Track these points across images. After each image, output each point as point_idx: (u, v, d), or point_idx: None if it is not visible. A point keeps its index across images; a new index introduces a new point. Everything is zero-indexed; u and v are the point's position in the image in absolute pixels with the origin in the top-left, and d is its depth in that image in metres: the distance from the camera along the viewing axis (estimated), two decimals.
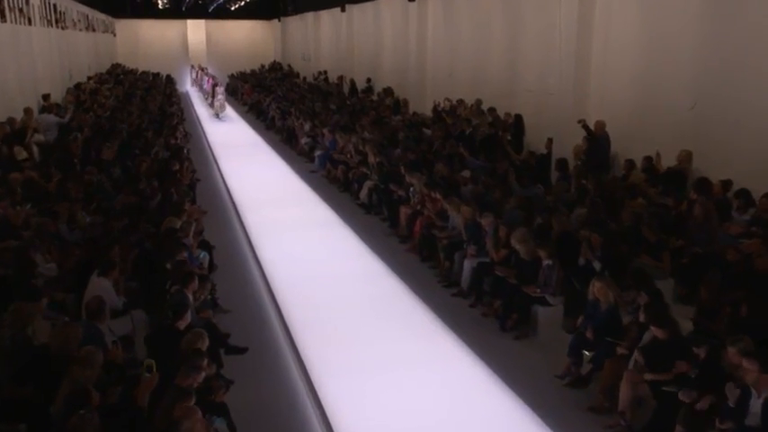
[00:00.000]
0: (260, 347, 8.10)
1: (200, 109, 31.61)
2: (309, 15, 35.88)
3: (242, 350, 7.73)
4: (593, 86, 12.88)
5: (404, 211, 12.66)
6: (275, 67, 41.63)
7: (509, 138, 14.61)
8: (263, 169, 18.91)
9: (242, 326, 8.59)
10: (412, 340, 8.34)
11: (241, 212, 14.00)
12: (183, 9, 42.69)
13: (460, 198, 11.24)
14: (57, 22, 21.98)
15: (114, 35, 41.73)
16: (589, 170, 11.20)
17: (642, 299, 7.11)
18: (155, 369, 5.07)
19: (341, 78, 28.81)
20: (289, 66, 39.75)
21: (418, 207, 12.22)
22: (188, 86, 42.43)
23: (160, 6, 41.45)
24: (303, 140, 20.86)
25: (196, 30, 44.79)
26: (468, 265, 9.89)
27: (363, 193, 14.79)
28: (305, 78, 33.73)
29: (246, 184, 16.62)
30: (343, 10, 29.20)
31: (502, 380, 7.35)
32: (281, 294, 9.61)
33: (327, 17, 33.13)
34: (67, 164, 11.17)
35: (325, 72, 31.41)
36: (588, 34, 12.66)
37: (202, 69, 37.03)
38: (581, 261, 8.63)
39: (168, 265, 7.90)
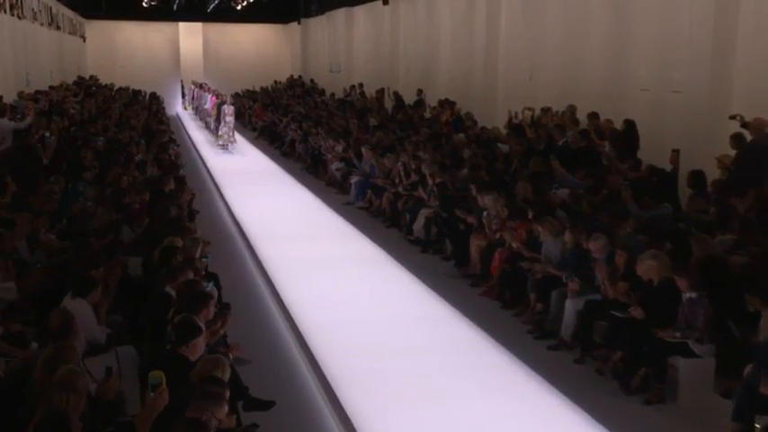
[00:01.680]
0: (290, 403, 7.85)
1: (197, 134, 31.95)
2: (340, 14, 36.39)
3: (267, 405, 7.42)
4: (737, 74, 12.59)
5: (476, 244, 12.47)
6: (294, 83, 42.10)
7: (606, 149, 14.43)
8: (281, 200, 19.06)
9: (263, 377, 8.32)
10: (498, 399, 8.05)
11: (255, 247, 13.99)
12: (175, 8, 43.53)
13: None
14: (12, 7, 22.42)
15: (84, 39, 42.54)
16: (739, 184, 10.84)
17: None
18: (164, 383, 4.79)
19: (382, 92, 28.92)
20: (311, 81, 40.16)
21: (497, 236, 11.99)
22: (178, 108, 43.06)
23: (144, 4, 42.24)
24: (334, 166, 20.86)
25: (190, 35, 45.71)
26: (570, 306, 9.60)
27: (418, 226, 14.71)
28: (333, 95, 33.98)
29: (260, 216, 16.70)
30: (385, 2, 29.52)
31: None
32: (313, 342, 9.45)
33: (364, 14, 33.60)
34: (30, 172, 11.22)
35: (361, 86, 31.60)
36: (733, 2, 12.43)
37: (200, 86, 37.05)
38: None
39: (168, 289, 7.68)
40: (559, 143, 14.73)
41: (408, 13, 28.64)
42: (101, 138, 16.14)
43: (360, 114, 25.97)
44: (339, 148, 21.41)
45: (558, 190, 12.29)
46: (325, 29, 39.65)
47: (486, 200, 12.51)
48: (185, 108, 42.58)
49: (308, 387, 8.46)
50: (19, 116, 16.47)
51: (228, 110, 27.62)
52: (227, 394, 5.32)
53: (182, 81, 43.58)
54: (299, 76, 43.53)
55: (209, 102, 32.27)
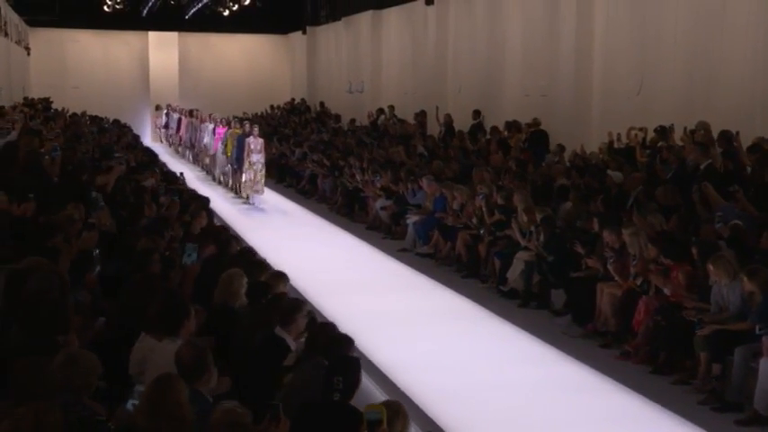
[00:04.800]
0: None
1: (183, 169, 31.89)
2: (363, 18, 36.44)
3: None
4: None
5: (607, 293, 12.51)
6: (298, 108, 42.16)
7: None
8: (319, 247, 19.24)
9: None
10: None
11: (310, 298, 14.01)
12: (144, 14, 43.49)
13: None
14: None
15: (28, 52, 42.55)
16: None
17: None
18: (385, 421, 4.72)
19: (423, 115, 28.89)
20: (321, 104, 40.29)
21: (638, 282, 11.94)
22: (147, 141, 42.86)
23: (107, 8, 41.98)
24: (378, 204, 20.87)
25: (163, 48, 45.78)
26: (767, 367, 9.41)
27: (514, 274, 14.72)
28: (353, 121, 34.07)
29: (301, 264, 16.65)
30: (429, 2, 29.65)
31: None
32: (434, 412, 9.60)
33: (398, 18, 33.70)
34: (42, 194, 11.26)
35: (392, 108, 31.66)
36: None
37: (191, 112, 35.59)
38: None
39: (279, 332, 7.93)
40: (702, 167, 14.71)
41: (462, 14, 28.60)
42: (118, 155, 16.24)
43: (400, 141, 25.91)
44: (380, 181, 21.41)
45: (722, 222, 12.20)
46: (341, 38, 39.80)
47: (623, 236, 12.50)
48: (161, 140, 42.30)
49: None
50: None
51: (256, 144, 24.56)
52: None
53: (168, 106, 43.12)
54: (303, 100, 43.51)
55: (211, 135, 30.07)
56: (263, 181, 24.61)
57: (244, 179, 24.71)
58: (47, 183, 12.10)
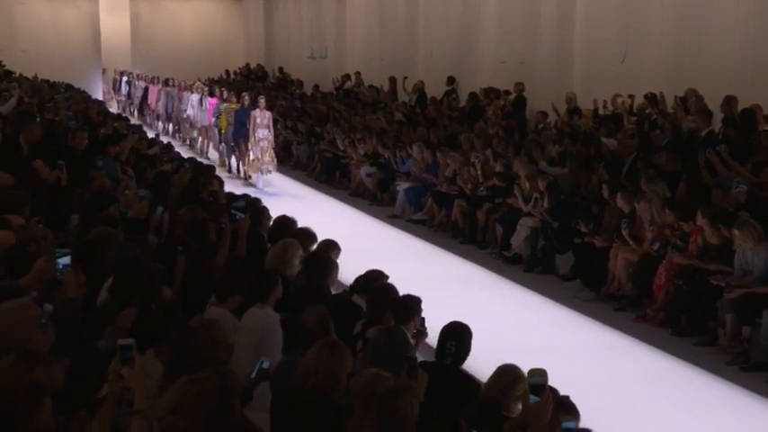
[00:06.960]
0: None
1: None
2: None
3: None
4: None
5: (622, 258, 12.73)
6: (254, 74, 41.80)
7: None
8: (309, 214, 18.80)
9: None
10: None
11: None
12: None
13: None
14: None
15: None
16: None
17: None
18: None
19: (393, 81, 28.79)
20: (280, 70, 40.05)
21: (655, 247, 12.24)
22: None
23: None
24: (363, 171, 20.94)
25: (114, 11, 45.12)
26: None
27: (518, 240, 14.98)
28: (317, 87, 33.97)
29: None
30: None
31: None
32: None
33: None
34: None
35: (358, 74, 31.58)
36: None
37: (167, 81, 32.68)
38: None
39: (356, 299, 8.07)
40: (703, 133, 14.97)
41: None
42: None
43: (375, 108, 25.87)
44: (362, 149, 21.53)
45: (739, 187, 12.48)
46: (302, 1, 39.64)
47: (631, 200, 12.83)
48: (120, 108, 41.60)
49: None
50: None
51: (263, 118, 22.44)
52: None
53: (130, 74, 42.37)
54: (260, 65, 43.22)
55: (198, 106, 28.03)
56: (274, 161, 22.62)
57: (250, 157, 22.68)
58: (68, 150, 12.15)
